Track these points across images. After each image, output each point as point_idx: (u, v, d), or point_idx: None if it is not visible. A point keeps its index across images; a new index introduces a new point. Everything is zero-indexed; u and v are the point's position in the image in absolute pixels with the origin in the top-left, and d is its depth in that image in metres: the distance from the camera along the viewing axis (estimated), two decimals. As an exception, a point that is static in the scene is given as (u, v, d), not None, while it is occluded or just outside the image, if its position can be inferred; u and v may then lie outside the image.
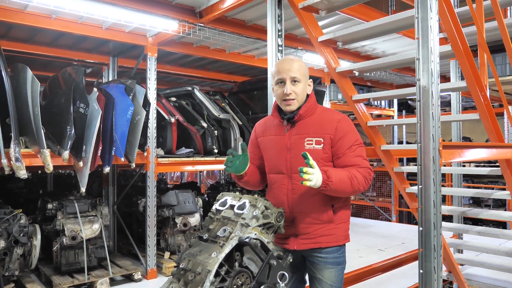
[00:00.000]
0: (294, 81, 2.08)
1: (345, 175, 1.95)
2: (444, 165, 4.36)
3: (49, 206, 4.41)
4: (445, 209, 3.72)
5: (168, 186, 7.32)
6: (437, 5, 2.18)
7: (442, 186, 2.32)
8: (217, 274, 1.63)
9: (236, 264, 1.72)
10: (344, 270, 2.16)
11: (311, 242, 2.07)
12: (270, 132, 2.22)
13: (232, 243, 1.69)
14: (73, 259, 4.30)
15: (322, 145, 2.04)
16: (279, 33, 3.15)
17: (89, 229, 4.34)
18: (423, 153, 2.13)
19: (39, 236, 4.09)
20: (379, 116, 9.29)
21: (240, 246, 1.74)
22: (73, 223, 4.27)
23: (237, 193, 2.02)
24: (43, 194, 5.48)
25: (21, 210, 4.03)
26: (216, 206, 1.99)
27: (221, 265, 1.65)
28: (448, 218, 6.78)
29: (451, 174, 6.61)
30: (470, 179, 9.77)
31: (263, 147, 2.23)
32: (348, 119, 2.12)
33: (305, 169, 1.83)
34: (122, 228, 5.24)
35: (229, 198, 1.99)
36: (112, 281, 4.47)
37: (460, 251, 4.62)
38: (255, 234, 1.77)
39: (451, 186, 6.52)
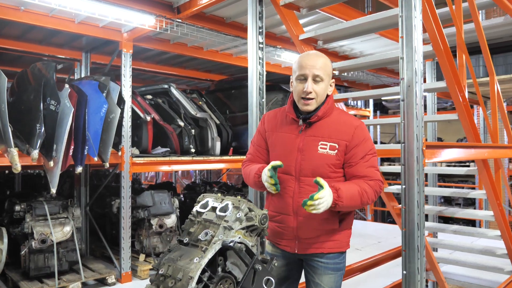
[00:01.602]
0: (316, 79, 1.91)
1: (356, 192, 1.85)
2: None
3: (17, 208, 4.22)
4: (423, 208, 3.75)
5: (143, 186, 7.15)
6: (421, 4, 2.17)
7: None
8: (199, 280, 1.55)
9: (219, 269, 1.64)
10: (342, 276, 2.08)
11: (314, 247, 1.99)
12: (281, 128, 2.06)
13: (216, 247, 1.61)
14: (42, 263, 4.12)
15: (336, 151, 1.92)
16: (260, 30, 3.09)
17: (60, 232, 4.17)
18: (407, 152, 2.12)
19: (5, 240, 3.93)
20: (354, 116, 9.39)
21: (223, 250, 1.67)
22: (42, 225, 4.10)
23: (219, 194, 1.93)
24: (10, 195, 5.24)
25: (-14, 213, 3.85)
26: (196, 208, 1.90)
27: (203, 271, 1.57)
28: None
29: (426, 174, 6.75)
30: (441, 179, 10.03)
31: (271, 142, 2.09)
32: (365, 126, 2.00)
33: (316, 195, 1.74)
34: (95, 230, 5.07)
35: (210, 200, 1.90)
36: (85, 286, 4.33)
37: (435, 249, 4.70)
38: (239, 237, 1.69)
39: (426, 185, 6.66)
